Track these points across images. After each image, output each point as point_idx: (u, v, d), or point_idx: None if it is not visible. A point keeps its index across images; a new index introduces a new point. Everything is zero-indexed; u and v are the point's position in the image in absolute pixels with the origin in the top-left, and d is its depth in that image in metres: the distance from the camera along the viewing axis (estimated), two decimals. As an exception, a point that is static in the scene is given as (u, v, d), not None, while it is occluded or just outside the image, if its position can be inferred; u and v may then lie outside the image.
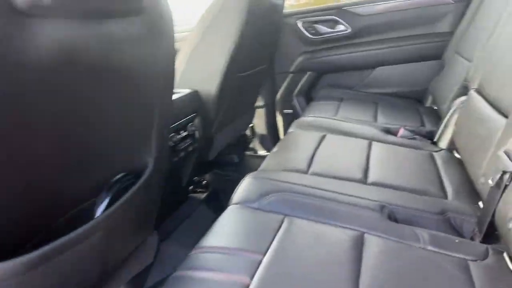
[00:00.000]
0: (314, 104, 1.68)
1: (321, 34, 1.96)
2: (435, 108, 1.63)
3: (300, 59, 2.00)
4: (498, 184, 0.72)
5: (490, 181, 0.74)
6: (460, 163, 1.11)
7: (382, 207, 0.83)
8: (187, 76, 1.35)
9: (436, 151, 1.18)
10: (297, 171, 0.99)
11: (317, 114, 1.48)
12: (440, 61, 1.77)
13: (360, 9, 1.87)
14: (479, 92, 1.05)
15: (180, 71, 1.35)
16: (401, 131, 1.31)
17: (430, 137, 1.33)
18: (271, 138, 2.23)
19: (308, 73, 2.01)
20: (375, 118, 1.48)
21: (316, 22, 1.95)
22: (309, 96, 2.09)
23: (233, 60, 1.34)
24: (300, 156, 1.06)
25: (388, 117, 1.48)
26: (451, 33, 1.74)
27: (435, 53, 1.78)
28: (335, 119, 1.41)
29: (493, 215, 0.74)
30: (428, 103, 1.73)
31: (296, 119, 2.11)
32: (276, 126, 2.21)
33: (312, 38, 1.97)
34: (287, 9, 2.08)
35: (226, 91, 1.41)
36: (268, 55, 1.84)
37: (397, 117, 1.50)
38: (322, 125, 1.34)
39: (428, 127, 1.41)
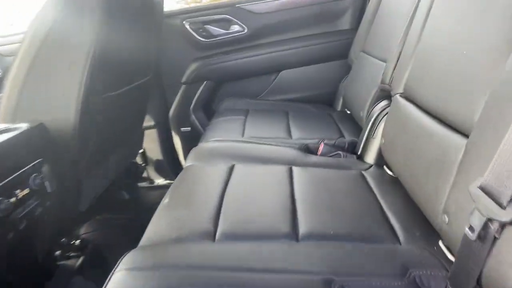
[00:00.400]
0: (215, 122, 1.38)
1: (214, 37, 1.67)
2: (349, 112, 1.47)
3: (193, 66, 1.68)
4: (482, 236, 0.51)
5: (469, 232, 0.52)
6: (394, 181, 0.92)
7: (329, 284, 0.56)
8: (25, 105, 0.92)
9: (366, 169, 0.98)
10: (200, 237, 0.67)
11: (221, 136, 1.17)
12: (346, 60, 1.63)
13: (255, 7, 1.63)
14: (407, 98, 0.86)
15: (13, 100, 0.92)
16: (322, 147, 1.09)
17: (352, 149, 1.14)
18: (169, 163, 1.87)
19: (205, 82, 1.70)
20: (288, 132, 1.24)
21: (207, 22, 1.65)
22: (209, 109, 1.78)
23: (94, 76, 0.96)
24: (202, 209, 0.74)
25: (303, 130, 1.26)
26: (353, 30, 1.61)
27: (340, 53, 1.63)
28: (243, 141, 1.13)
29: (478, 280, 0.52)
30: (339, 106, 1.57)
31: (195, 137, 1.79)
32: (173, 148, 1.85)
33: (204, 41, 1.67)
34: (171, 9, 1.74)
35: (90, 119, 1.02)
36: (150, 64, 1.47)
37: (312, 129, 1.28)
38: (228, 152, 1.04)
39: (347, 136, 1.22)
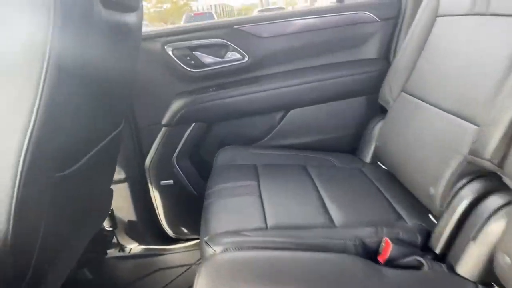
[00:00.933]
0: (216, 191, 0.99)
1: (205, 66, 1.29)
2: (384, 167, 1.15)
3: (177, 104, 1.29)
4: None
5: None
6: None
7: None
8: None
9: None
10: None
11: (234, 229, 0.79)
12: (371, 97, 1.31)
13: (259, 29, 1.27)
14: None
15: None
16: (389, 248, 0.75)
17: (424, 240, 0.80)
18: (144, 224, 1.45)
19: (193, 124, 1.32)
20: (325, 212, 0.88)
21: (196, 47, 1.27)
22: (197, 157, 1.39)
23: (42, 144, 0.58)
24: None
25: (341, 205, 0.91)
26: (381, 61, 1.30)
27: (364, 88, 1.31)
28: (273, 244, 0.75)
29: None
30: (369, 157, 1.23)
31: (180, 192, 1.41)
32: (151, 206, 1.44)
33: (191, 71, 1.28)
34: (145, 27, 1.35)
35: (35, 217, 0.63)
36: (124, 107, 1.08)
37: (353, 201, 0.94)
38: (257, 271, 0.66)
39: (404, 213, 0.89)
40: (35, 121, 0.56)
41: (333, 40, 1.30)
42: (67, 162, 0.73)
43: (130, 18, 0.83)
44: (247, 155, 1.22)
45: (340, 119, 1.35)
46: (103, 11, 0.67)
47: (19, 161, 0.57)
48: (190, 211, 1.45)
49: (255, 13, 14.40)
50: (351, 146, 1.35)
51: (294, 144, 1.36)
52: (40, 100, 0.56)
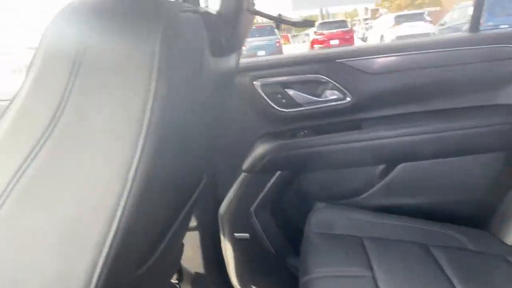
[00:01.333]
0: (316, 280, 0.77)
1: (298, 105, 1.08)
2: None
3: (261, 148, 1.09)
4: None
5: None
6: None
7: None
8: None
9: None
10: None
11: None
12: (506, 153, 1.02)
13: (366, 63, 1.04)
14: None
15: None
16: None
17: None
18: (212, 279, 1.27)
19: (279, 173, 1.11)
20: None
21: (289, 84, 1.07)
22: (279, 210, 1.18)
23: (122, 247, 0.41)
24: None
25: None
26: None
27: (502, 143, 1.02)
28: None
29: None
30: (502, 233, 0.94)
31: (256, 249, 1.20)
32: (221, 259, 1.25)
33: (282, 111, 1.09)
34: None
35: None
36: (206, 157, 0.90)
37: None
38: None
39: None
40: (126, 201, 0.40)
41: (462, 79, 1.03)
42: (148, 252, 0.55)
43: (231, 60, 0.65)
44: (346, 220, 0.98)
45: (465, 180, 1.06)
46: (211, 61, 0.49)
47: (93, 274, 0.40)
48: (265, 270, 1.25)
49: (316, 25, 14.09)
50: (478, 216, 1.05)
51: (399, 205, 1.10)
52: (136, 169, 0.40)
